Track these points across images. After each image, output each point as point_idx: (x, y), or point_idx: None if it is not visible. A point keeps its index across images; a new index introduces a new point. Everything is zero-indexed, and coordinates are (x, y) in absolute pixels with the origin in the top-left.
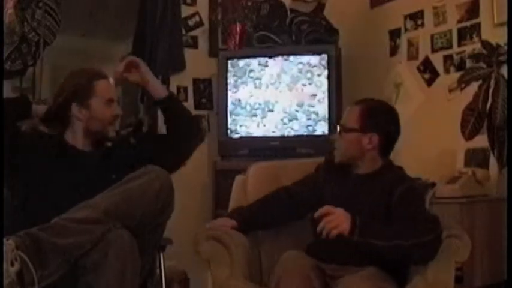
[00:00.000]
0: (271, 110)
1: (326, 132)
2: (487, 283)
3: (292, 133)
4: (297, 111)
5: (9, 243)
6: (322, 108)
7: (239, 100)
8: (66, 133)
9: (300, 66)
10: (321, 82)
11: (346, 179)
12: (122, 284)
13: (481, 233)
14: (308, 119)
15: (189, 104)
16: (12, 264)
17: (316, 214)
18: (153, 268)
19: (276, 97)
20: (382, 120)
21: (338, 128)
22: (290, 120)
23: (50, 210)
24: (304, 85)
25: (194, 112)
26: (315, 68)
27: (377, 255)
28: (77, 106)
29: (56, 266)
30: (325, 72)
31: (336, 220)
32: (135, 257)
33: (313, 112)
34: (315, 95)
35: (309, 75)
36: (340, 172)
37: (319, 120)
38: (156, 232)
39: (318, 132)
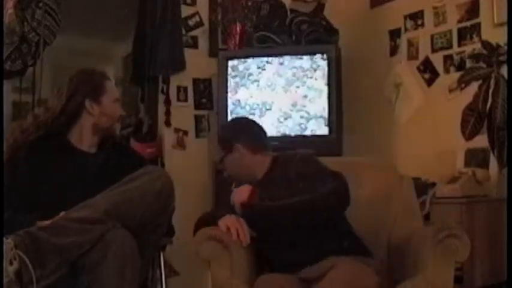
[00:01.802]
0: (269, 109)
1: (327, 133)
2: (487, 283)
3: (292, 133)
4: (291, 110)
5: (8, 242)
6: (314, 108)
7: (239, 101)
8: (70, 133)
9: (294, 70)
10: (312, 84)
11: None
12: (121, 284)
13: (481, 233)
14: (301, 118)
15: (189, 104)
16: (11, 263)
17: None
18: (153, 268)
19: (272, 98)
20: (234, 131)
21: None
22: (285, 119)
23: (51, 210)
24: (297, 87)
25: (194, 112)
26: (307, 72)
27: (286, 215)
28: (89, 102)
29: (55, 266)
30: (316, 75)
31: (238, 192)
32: (134, 257)
33: (306, 111)
34: (306, 96)
35: (304, 78)
36: None
37: (311, 119)
38: (156, 232)
39: (318, 133)
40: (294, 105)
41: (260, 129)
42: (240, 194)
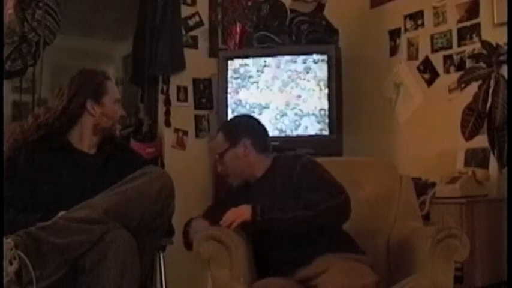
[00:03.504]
0: (267, 107)
1: (327, 133)
2: (487, 283)
3: (290, 133)
4: (286, 109)
5: (8, 242)
6: (306, 107)
7: (240, 100)
8: (71, 133)
9: (289, 72)
10: (305, 85)
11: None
12: (120, 284)
13: (481, 233)
14: (296, 115)
15: (189, 104)
16: (11, 263)
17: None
18: (153, 268)
19: (270, 98)
20: (242, 126)
21: (217, 160)
22: (281, 117)
23: (51, 210)
24: (292, 88)
25: (194, 112)
26: (300, 74)
27: (287, 229)
28: (91, 102)
29: (55, 266)
30: (308, 76)
31: (238, 212)
32: (134, 257)
33: (299, 110)
34: (300, 96)
35: (298, 80)
36: (243, 191)
37: (304, 116)
38: (156, 232)
39: (319, 133)
40: (288, 104)
41: (265, 130)
42: (241, 212)
